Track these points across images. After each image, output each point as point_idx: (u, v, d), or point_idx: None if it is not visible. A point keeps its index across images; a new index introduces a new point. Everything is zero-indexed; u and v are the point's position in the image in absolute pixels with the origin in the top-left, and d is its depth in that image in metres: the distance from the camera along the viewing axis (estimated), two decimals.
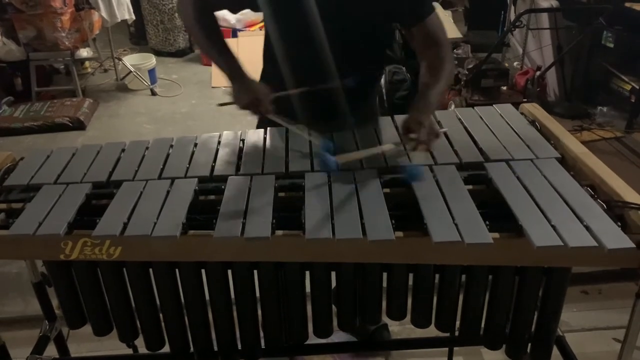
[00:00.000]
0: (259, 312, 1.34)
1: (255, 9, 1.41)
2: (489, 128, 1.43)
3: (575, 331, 2.01)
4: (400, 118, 1.31)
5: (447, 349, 1.75)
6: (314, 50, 1.34)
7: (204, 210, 1.18)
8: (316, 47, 1.34)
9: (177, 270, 1.29)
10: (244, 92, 1.35)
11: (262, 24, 4.98)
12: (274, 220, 1.11)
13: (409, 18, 1.42)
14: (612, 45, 3.71)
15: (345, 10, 1.34)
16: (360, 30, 1.39)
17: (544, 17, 3.94)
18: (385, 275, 1.29)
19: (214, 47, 1.44)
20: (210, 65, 4.85)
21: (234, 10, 1.54)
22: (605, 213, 1.09)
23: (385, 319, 1.39)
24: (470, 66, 3.66)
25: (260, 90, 1.35)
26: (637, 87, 3.54)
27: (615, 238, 1.02)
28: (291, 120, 1.40)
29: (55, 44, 4.10)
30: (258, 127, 1.57)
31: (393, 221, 1.08)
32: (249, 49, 3.31)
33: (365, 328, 1.88)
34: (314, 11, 1.30)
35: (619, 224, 1.06)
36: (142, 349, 1.47)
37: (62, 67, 4.83)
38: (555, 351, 1.43)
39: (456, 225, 1.06)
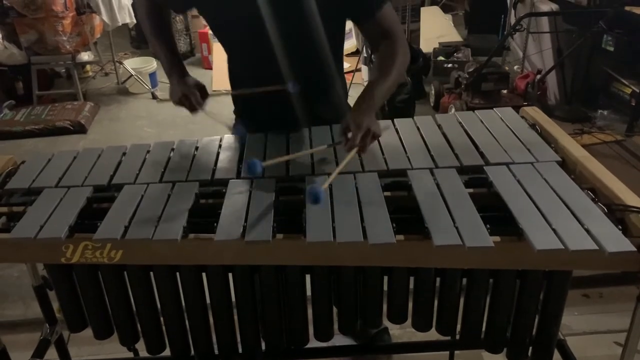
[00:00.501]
0: (260, 315, 1.34)
1: (200, 11, 1.46)
2: (490, 131, 1.43)
3: (577, 335, 2.00)
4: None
5: (448, 352, 1.75)
6: (263, 51, 1.37)
7: (204, 213, 1.18)
8: (265, 48, 1.36)
9: (177, 273, 1.29)
10: (177, 89, 1.39)
11: None
12: (275, 224, 1.11)
13: (359, 13, 1.41)
14: (612, 49, 3.72)
15: (293, 7, 1.33)
16: (309, 29, 1.37)
17: (544, 20, 3.95)
18: (386, 278, 1.29)
19: (160, 43, 1.48)
20: (211, 68, 4.86)
21: (178, 11, 1.58)
22: (606, 216, 1.09)
23: (385, 322, 1.38)
24: (471, 70, 3.67)
25: (192, 87, 1.39)
26: (637, 91, 3.54)
27: (615, 241, 1.02)
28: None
29: (57, 48, 4.12)
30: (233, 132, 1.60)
31: (394, 224, 1.08)
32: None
33: (366, 332, 1.88)
34: (262, 10, 1.31)
35: (620, 227, 1.06)
36: (143, 353, 1.47)
37: (64, 70, 4.85)
38: (556, 355, 1.43)
39: (457, 228, 1.06)
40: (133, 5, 1.51)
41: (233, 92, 1.58)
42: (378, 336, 1.88)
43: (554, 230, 1.05)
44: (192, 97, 1.38)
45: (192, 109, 1.39)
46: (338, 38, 1.49)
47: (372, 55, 1.45)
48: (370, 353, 1.85)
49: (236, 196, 1.21)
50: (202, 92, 1.42)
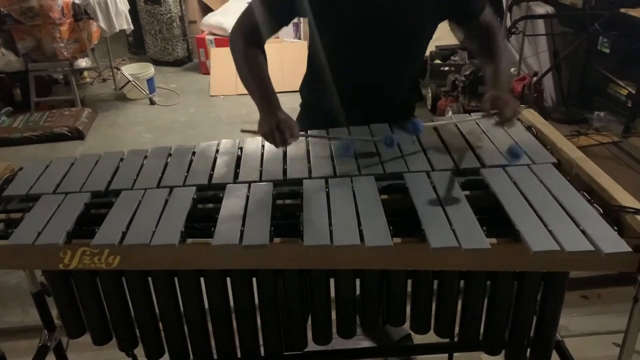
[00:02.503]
0: (258, 319, 1.34)
1: (302, 14, 1.44)
2: (486, 134, 1.44)
3: (575, 336, 2.00)
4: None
5: (446, 354, 1.75)
6: (359, 55, 1.42)
7: (202, 218, 1.18)
8: (361, 52, 1.41)
9: (176, 278, 1.29)
10: (268, 121, 1.30)
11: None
12: (272, 228, 1.11)
13: (465, 17, 1.51)
14: (608, 51, 3.73)
15: (397, 11, 1.38)
16: (411, 35, 1.45)
17: (540, 23, 3.96)
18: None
19: (254, 77, 1.41)
20: (209, 74, 4.87)
21: (284, 24, 1.51)
22: (602, 217, 1.09)
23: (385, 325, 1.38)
24: (467, 72, 3.68)
25: (283, 122, 1.28)
26: (634, 92, 3.55)
27: (612, 242, 1.02)
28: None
29: (54, 55, 4.12)
30: None
31: (391, 227, 1.08)
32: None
33: (389, 337, 1.89)
34: (365, 14, 1.36)
35: (616, 228, 1.07)
36: (142, 358, 1.47)
37: (61, 77, 4.85)
38: (554, 356, 1.43)
39: (453, 231, 1.06)
40: (230, 36, 1.42)
41: (311, 134, 1.45)
42: (402, 342, 1.90)
43: (550, 231, 1.05)
44: (284, 131, 1.26)
45: (281, 142, 1.27)
46: (429, 39, 1.56)
47: (470, 41, 1.55)
48: (369, 356, 1.85)
49: (233, 200, 1.21)
50: (291, 130, 1.29)
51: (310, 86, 1.63)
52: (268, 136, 1.28)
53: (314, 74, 1.59)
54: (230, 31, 1.49)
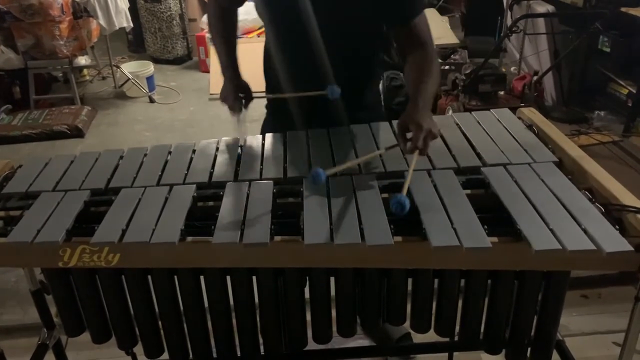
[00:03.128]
0: (258, 318, 1.34)
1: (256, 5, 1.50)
2: (487, 133, 1.44)
3: (575, 335, 2.00)
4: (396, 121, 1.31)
5: (447, 354, 1.75)
6: (308, 52, 1.37)
7: (202, 216, 1.18)
8: (310, 49, 1.37)
9: (175, 276, 1.28)
10: (227, 87, 1.46)
11: (259, 31, 5.02)
12: (273, 226, 1.11)
13: (397, 18, 1.43)
14: (608, 50, 3.73)
15: (336, 10, 1.36)
16: (351, 31, 1.41)
17: (541, 22, 3.96)
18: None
19: (222, 43, 1.54)
20: (209, 72, 4.87)
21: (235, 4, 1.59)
22: (603, 216, 1.09)
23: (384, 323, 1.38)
24: (468, 71, 3.68)
25: (235, 88, 1.44)
26: (634, 91, 3.55)
27: (613, 241, 1.02)
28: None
29: (54, 52, 4.12)
30: (262, 132, 1.62)
31: (392, 226, 1.08)
32: (247, 56, 3.37)
33: (389, 336, 1.89)
34: (308, 11, 1.34)
35: (617, 227, 1.07)
36: (141, 357, 1.46)
37: (61, 75, 4.85)
38: (555, 355, 1.43)
39: (455, 229, 1.06)
40: (208, 4, 1.60)
41: (269, 95, 1.62)
42: (401, 341, 1.89)
43: (551, 230, 1.05)
44: (233, 97, 1.42)
45: (232, 109, 1.43)
46: (378, 42, 1.54)
47: (403, 60, 1.46)
48: (369, 355, 1.84)
49: (234, 199, 1.21)
50: (246, 94, 1.47)
51: (269, 86, 1.65)
52: (226, 100, 1.43)
53: (269, 74, 1.63)
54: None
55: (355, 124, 1.49)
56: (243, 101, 1.45)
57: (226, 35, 1.56)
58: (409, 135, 1.21)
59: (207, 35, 4.97)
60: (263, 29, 4.93)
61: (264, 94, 1.60)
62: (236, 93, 1.43)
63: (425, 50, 1.41)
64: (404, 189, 1.07)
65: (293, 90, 1.48)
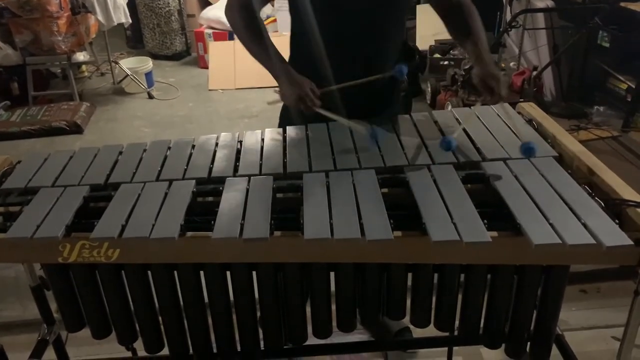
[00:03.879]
0: (258, 313, 1.34)
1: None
2: (486, 127, 1.44)
3: (575, 330, 2.01)
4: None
5: (446, 348, 1.75)
6: (346, 40, 1.40)
7: (202, 211, 1.18)
8: (348, 36, 1.40)
9: (175, 272, 1.29)
10: (291, 89, 1.34)
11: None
12: (272, 221, 1.11)
13: None
14: (607, 45, 3.73)
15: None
16: (386, 14, 1.44)
17: (540, 17, 3.95)
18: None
19: (259, 46, 1.43)
20: (207, 67, 4.86)
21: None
22: (603, 211, 1.09)
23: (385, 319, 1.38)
24: (467, 67, 3.67)
25: (306, 84, 1.34)
26: (633, 87, 3.55)
27: (613, 235, 1.02)
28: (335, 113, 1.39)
29: (52, 48, 4.11)
30: (280, 125, 1.59)
31: (391, 221, 1.08)
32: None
33: (388, 329, 1.89)
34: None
35: (617, 221, 1.07)
36: (142, 352, 1.47)
37: (59, 71, 4.84)
38: (554, 350, 1.43)
39: (454, 224, 1.06)
40: (226, 13, 1.49)
41: (327, 88, 1.44)
42: (400, 335, 1.90)
43: (551, 225, 1.05)
44: (309, 96, 1.33)
45: (309, 108, 1.34)
46: (404, 26, 1.57)
47: (445, 19, 1.54)
48: (370, 350, 1.85)
49: (233, 194, 1.21)
50: (313, 90, 1.36)
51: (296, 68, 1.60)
52: (297, 103, 1.33)
53: (298, 51, 1.57)
54: (225, 6, 1.49)
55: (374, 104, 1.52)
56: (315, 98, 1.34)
57: (262, 37, 1.44)
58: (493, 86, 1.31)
59: (207, 31, 4.97)
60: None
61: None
62: (307, 87, 1.32)
63: (464, 9, 1.48)
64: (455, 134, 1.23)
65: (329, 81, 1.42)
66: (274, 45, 1.43)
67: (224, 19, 4.88)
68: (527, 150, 1.22)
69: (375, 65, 1.48)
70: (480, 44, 1.41)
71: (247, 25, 1.44)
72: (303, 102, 1.33)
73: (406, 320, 1.38)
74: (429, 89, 4.11)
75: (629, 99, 3.60)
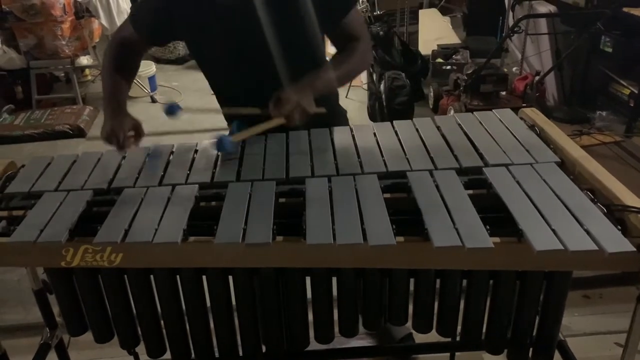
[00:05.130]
0: (260, 318, 1.34)
1: (180, 38, 1.54)
2: (489, 133, 1.44)
3: (577, 336, 2.00)
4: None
5: (448, 354, 1.75)
6: (247, 68, 1.42)
7: (204, 216, 1.18)
8: (253, 76, 1.41)
9: (178, 276, 1.29)
10: (105, 126, 1.38)
11: None
12: (275, 226, 1.11)
13: (328, 23, 1.45)
14: (610, 50, 3.73)
15: (268, 21, 1.36)
16: (289, 47, 1.40)
17: (543, 22, 3.96)
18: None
19: (110, 77, 1.50)
20: None
21: (161, 44, 1.63)
22: (605, 217, 1.09)
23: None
24: (469, 71, 3.68)
25: (123, 124, 1.37)
26: (636, 92, 3.55)
27: (615, 241, 1.02)
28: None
29: (56, 52, 4.13)
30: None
31: (394, 226, 1.08)
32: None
33: (391, 336, 1.89)
34: (235, 34, 1.37)
35: (619, 227, 1.06)
36: (144, 356, 1.47)
37: (63, 74, 4.85)
38: (557, 356, 1.43)
39: (457, 230, 1.06)
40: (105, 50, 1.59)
41: (227, 109, 1.59)
42: (403, 341, 1.89)
43: (553, 230, 1.05)
44: (120, 135, 1.35)
45: (119, 147, 1.36)
46: (319, 45, 1.51)
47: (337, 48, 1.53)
48: (371, 355, 1.85)
49: (236, 199, 1.21)
50: (136, 131, 1.41)
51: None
52: (107, 141, 1.35)
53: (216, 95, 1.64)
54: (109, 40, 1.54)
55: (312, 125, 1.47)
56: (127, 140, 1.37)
57: (121, 66, 1.51)
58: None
59: None
60: None
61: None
62: (124, 129, 1.36)
63: (356, 42, 1.45)
64: (238, 138, 1.27)
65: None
66: (123, 83, 1.51)
67: None
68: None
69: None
70: (324, 70, 1.40)
71: (115, 51, 1.53)
72: (110, 141, 1.36)
73: (408, 325, 1.38)
74: (432, 94, 4.11)
75: (632, 104, 3.60)
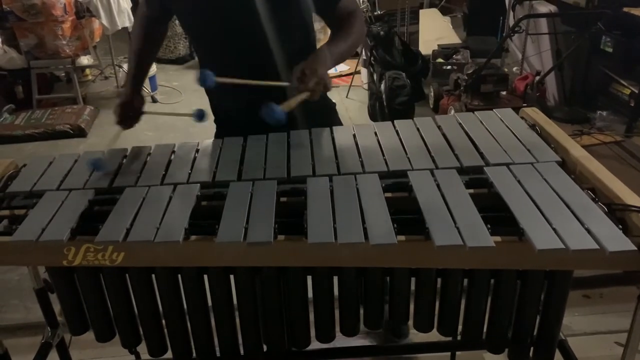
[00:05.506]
0: (261, 317, 1.34)
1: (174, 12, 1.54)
2: (489, 132, 1.44)
3: (578, 335, 2.00)
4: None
5: (449, 353, 1.75)
6: (237, 50, 1.43)
7: (206, 215, 1.18)
8: (238, 46, 1.43)
9: (179, 275, 1.29)
10: (120, 97, 1.53)
11: None
12: (276, 225, 1.11)
13: (322, 6, 1.48)
14: (610, 50, 3.73)
15: (262, 12, 1.38)
16: (281, 29, 1.42)
17: (543, 22, 3.96)
18: (387, 279, 1.29)
19: (136, 51, 1.58)
20: None
21: (159, 17, 1.61)
22: (606, 216, 1.09)
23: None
24: (470, 71, 3.68)
25: (125, 103, 1.51)
26: (636, 92, 3.56)
27: (616, 241, 1.02)
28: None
29: (56, 52, 4.13)
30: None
31: (395, 225, 1.08)
32: None
33: (391, 339, 1.89)
34: (230, 7, 1.38)
35: (620, 226, 1.06)
36: (145, 355, 1.47)
37: (63, 74, 4.86)
38: (557, 355, 1.43)
39: (458, 229, 1.06)
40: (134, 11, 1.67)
41: (232, 80, 1.45)
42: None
43: (554, 230, 1.05)
44: (119, 112, 1.49)
45: (119, 124, 1.51)
46: (310, 29, 1.55)
47: (333, 33, 1.52)
48: (373, 354, 1.85)
49: (237, 198, 1.21)
50: (135, 112, 1.54)
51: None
52: (115, 113, 1.51)
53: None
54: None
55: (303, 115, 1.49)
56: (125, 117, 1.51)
57: (142, 46, 1.59)
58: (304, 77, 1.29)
59: None
60: None
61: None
62: (125, 109, 1.49)
63: (351, 17, 1.47)
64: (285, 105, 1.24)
65: (237, 98, 1.50)
66: (144, 59, 1.61)
67: None
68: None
69: (269, 72, 1.45)
70: (332, 45, 1.40)
71: (139, 28, 1.59)
72: (115, 116, 1.51)
73: (409, 324, 1.38)
74: (432, 94, 4.11)
75: (632, 104, 3.60)
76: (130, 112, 1.53)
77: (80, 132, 3.97)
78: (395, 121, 1.51)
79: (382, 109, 3.85)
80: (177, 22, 5.28)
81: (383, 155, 1.35)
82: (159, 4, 1.54)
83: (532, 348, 1.38)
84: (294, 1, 1.43)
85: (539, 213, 1.10)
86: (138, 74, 1.59)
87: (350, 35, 1.44)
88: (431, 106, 4.14)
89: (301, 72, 1.30)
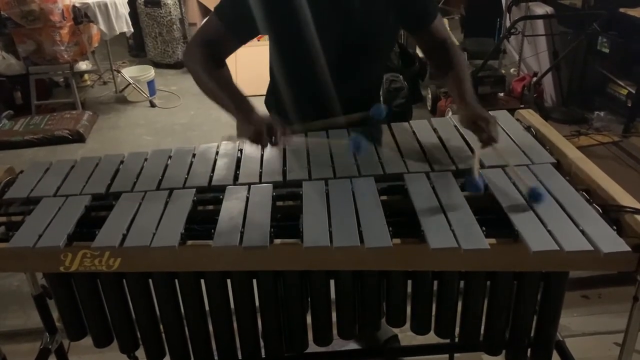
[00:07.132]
0: (259, 321, 1.35)
1: (262, 32, 1.41)
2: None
3: (576, 336, 2.00)
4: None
5: (447, 355, 1.75)
6: (322, 65, 1.40)
7: (202, 220, 1.18)
8: (324, 61, 1.40)
9: (176, 280, 1.29)
10: (246, 127, 1.25)
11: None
12: (272, 229, 1.12)
13: (416, 25, 1.51)
14: (607, 51, 3.74)
15: (351, 20, 1.38)
16: (367, 40, 1.44)
17: (540, 23, 3.97)
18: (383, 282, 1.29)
19: (222, 86, 1.36)
20: None
21: (244, 42, 1.46)
22: (601, 217, 1.09)
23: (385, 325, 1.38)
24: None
25: (262, 123, 1.23)
26: (633, 92, 3.56)
27: (611, 242, 1.02)
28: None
29: (55, 58, 4.13)
30: None
31: (390, 228, 1.08)
32: (250, 60, 3.31)
33: (376, 338, 1.89)
34: (317, 28, 1.35)
35: (615, 227, 1.07)
36: None
37: (62, 80, 4.86)
38: (555, 356, 1.43)
39: (453, 231, 1.07)
40: (186, 57, 1.45)
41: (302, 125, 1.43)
42: (388, 343, 1.89)
43: (549, 231, 1.05)
44: (261, 136, 1.22)
45: (266, 144, 1.24)
46: (390, 46, 1.60)
47: (429, 59, 1.66)
48: (370, 357, 1.85)
49: (233, 202, 1.21)
50: (271, 127, 1.24)
51: (274, 97, 1.62)
52: (257, 139, 1.23)
53: (277, 85, 1.56)
54: (186, 46, 1.46)
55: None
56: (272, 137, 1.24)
57: (223, 78, 1.40)
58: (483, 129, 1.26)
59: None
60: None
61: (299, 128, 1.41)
62: (269, 125, 1.22)
63: (447, 47, 1.49)
64: (475, 171, 1.17)
65: (309, 109, 1.46)
66: (233, 83, 1.39)
67: None
68: (535, 196, 1.14)
69: (352, 104, 1.45)
70: (463, 85, 1.38)
71: (204, 67, 1.38)
72: (258, 141, 1.24)
73: (406, 327, 1.38)
74: (430, 96, 4.12)
75: (629, 104, 3.61)
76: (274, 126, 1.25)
77: (79, 138, 3.97)
78: (391, 124, 1.51)
79: None
80: (175, 25, 5.19)
81: (379, 158, 1.35)
82: (249, 35, 1.42)
83: (529, 349, 1.38)
84: (388, 26, 1.45)
85: (533, 215, 1.11)
86: (244, 96, 1.35)
87: (466, 73, 1.46)
88: (429, 108, 4.15)
89: (473, 124, 1.27)
